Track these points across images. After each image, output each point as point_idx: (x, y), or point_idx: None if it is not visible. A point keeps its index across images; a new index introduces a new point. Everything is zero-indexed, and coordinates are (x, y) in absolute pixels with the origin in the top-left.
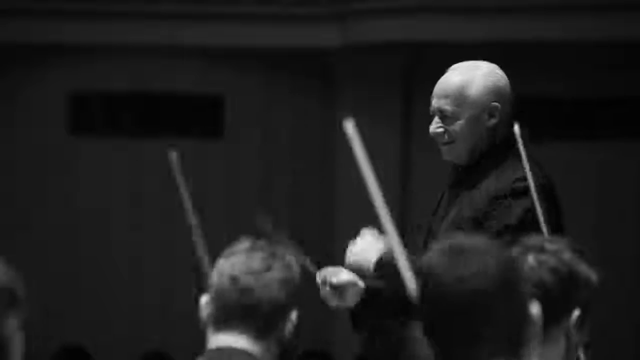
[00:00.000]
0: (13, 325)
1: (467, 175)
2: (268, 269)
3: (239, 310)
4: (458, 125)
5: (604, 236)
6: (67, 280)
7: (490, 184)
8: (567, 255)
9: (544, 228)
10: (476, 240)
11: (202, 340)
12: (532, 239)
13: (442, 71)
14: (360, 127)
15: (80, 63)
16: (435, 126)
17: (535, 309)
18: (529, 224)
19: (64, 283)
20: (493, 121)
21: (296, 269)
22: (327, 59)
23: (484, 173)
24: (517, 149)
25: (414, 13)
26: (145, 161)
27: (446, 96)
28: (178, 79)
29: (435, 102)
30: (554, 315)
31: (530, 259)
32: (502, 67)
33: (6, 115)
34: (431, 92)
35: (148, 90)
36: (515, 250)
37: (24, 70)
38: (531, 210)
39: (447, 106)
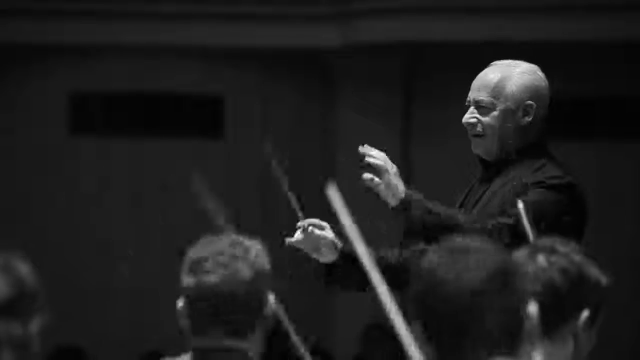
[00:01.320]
0: (35, 327)
1: (497, 172)
2: (236, 271)
3: (215, 317)
4: (492, 117)
5: (602, 236)
6: (67, 280)
7: (521, 177)
8: (577, 257)
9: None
10: (475, 241)
11: None
12: (543, 240)
13: (442, 71)
14: (361, 127)
15: (80, 63)
16: (470, 116)
17: (532, 307)
18: (555, 218)
19: (64, 283)
20: (527, 119)
21: (262, 256)
22: (327, 59)
23: (516, 170)
24: (550, 152)
25: (414, 13)
26: (145, 161)
27: (484, 88)
28: (178, 79)
29: (472, 94)
30: (562, 315)
31: (541, 259)
32: None
33: (6, 115)
34: (431, 92)
35: (148, 90)
36: (525, 251)
37: (24, 70)
38: (561, 205)
39: (483, 97)
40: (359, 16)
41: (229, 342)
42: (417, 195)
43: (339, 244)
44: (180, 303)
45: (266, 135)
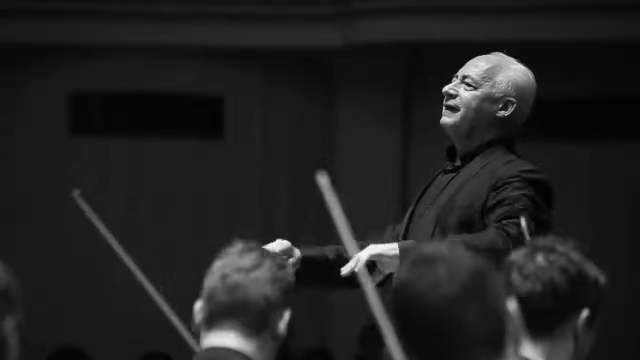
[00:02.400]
0: (10, 326)
1: (463, 163)
2: (257, 266)
3: (228, 308)
4: (472, 95)
5: (598, 236)
6: (67, 280)
7: (495, 173)
8: (576, 256)
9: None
10: (443, 248)
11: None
12: (542, 240)
13: (442, 71)
14: (361, 127)
15: (80, 63)
16: (452, 85)
17: (512, 306)
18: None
19: (64, 283)
20: (503, 113)
21: (288, 269)
22: (327, 59)
23: (484, 162)
24: (517, 152)
25: (414, 13)
26: (145, 161)
27: (476, 67)
28: (178, 79)
29: (462, 69)
30: (562, 314)
31: (540, 258)
32: None
33: (6, 115)
34: (431, 92)
35: (148, 90)
36: (524, 251)
37: (24, 70)
38: (538, 201)
39: (472, 74)
40: (359, 16)
41: (235, 342)
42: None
43: (299, 255)
44: (199, 303)
45: (266, 135)
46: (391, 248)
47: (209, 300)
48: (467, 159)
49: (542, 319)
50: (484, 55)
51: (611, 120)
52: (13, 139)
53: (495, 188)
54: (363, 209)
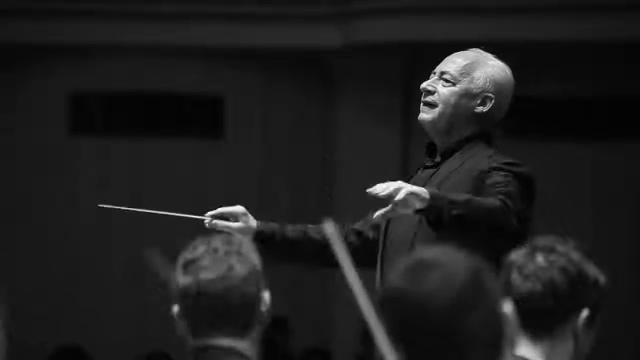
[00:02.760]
0: None
1: (443, 159)
2: (230, 269)
3: (213, 316)
4: (450, 91)
5: (600, 235)
6: (67, 280)
7: (477, 167)
8: (576, 256)
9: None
10: (437, 253)
11: None
12: (542, 240)
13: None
14: (361, 127)
15: (80, 63)
16: (430, 82)
17: (508, 307)
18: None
19: (64, 283)
20: (482, 109)
21: (252, 251)
22: (327, 59)
23: (464, 157)
24: (498, 148)
25: (414, 13)
26: (145, 161)
27: (454, 63)
28: (178, 79)
29: (440, 66)
30: (562, 314)
31: (540, 259)
32: None
33: (6, 115)
34: None
35: (148, 90)
36: (524, 251)
37: (24, 70)
38: (522, 193)
39: (450, 70)
40: (359, 16)
41: (227, 342)
42: (438, 191)
43: (256, 227)
44: (175, 308)
45: (266, 135)
46: (423, 191)
47: (188, 313)
48: (447, 154)
49: (542, 319)
50: (461, 52)
51: (612, 121)
52: (13, 139)
53: (480, 179)
54: (363, 208)
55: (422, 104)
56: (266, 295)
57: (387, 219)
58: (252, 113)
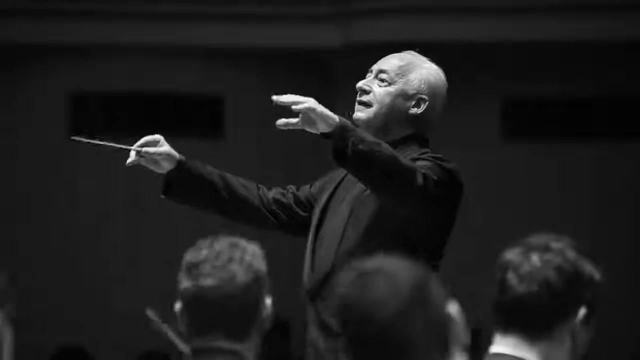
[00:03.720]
0: (1, 319)
1: None
2: (233, 276)
3: (213, 320)
4: (386, 91)
5: (600, 235)
6: (67, 280)
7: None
8: (571, 254)
9: None
10: (383, 262)
11: None
12: (536, 238)
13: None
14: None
15: (80, 63)
16: (365, 81)
17: (453, 308)
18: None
19: (64, 283)
20: (416, 110)
21: (259, 258)
22: (327, 59)
23: None
24: (430, 147)
25: (414, 13)
26: None
27: (390, 64)
28: (178, 79)
29: (376, 65)
30: (560, 313)
31: (535, 258)
32: (500, 67)
33: (6, 115)
34: None
35: (148, 90)
36: (518, 250)
37: (24, 70)
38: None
39: (387, 69)
40: (359, 16)
41: (227, 345)
42: (350, 124)
43: (178, 156)
44: (177, 305)
45: (266, 135)
46: (332, 116)
47: (191, 309)
48: None
49: (539, 319)
50: (396, 54)
51: (612, 121)
52: (13, 139)
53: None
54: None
55: (357, 103)
56: (268, 302)
57: (318, 224)
58: (252, 113)
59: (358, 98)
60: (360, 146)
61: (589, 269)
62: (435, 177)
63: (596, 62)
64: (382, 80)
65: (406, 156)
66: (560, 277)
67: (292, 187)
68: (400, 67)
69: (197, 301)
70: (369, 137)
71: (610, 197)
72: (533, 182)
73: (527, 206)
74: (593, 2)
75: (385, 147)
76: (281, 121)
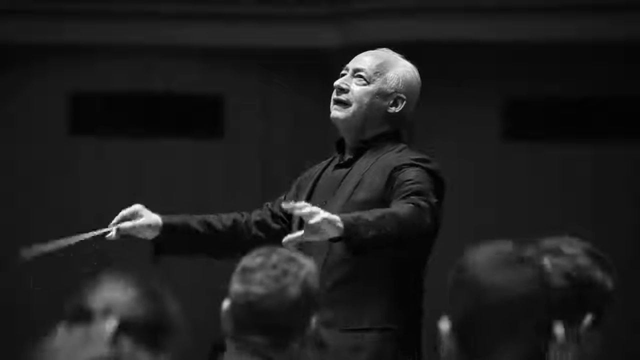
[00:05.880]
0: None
1: (355, 157)
2: (289, 285)
3: (257, 329)
4: (364, 90)
5: (600, 235)
6: None
7: (388, 164)
8: (582, 260)
9: None
10: (523, 250)
11: (201, 340)
12: (550, 241)
13: (442, 71)
14: None
15: (80, 63)
16: (343, 80)
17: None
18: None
19: None
20: (394, 109)
21: (313, 275)
22: (327, 59)
23: (376, 155)
24: (405, 141)
25: (414, 13)
26: (145, 161)
27: (368, 62)
28: (178, 79)
29: (353, 63)
30: (566, 319)
31: (546, 261)
32: (500, 66)
33: (6, 115)
34: (431, 92)
35: (148, 90)
36: (532, 251)
37: (24, 70)
38: (433, 187)
39: (365, 67)
40: (359, 16)
41: (266, 352)
42: (351, 216)
43: (160, 221)
44: (225, 304)
45: (266, 135)
46: (337, 219)
47: (238, 311)
48: (358, 152)
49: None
50: (371, 51)
51: (612, 121)
52: (13, 139)
53: (392, 178)
54: None
55: (334, 102)
56: (313, 321)
57: (299, 228)
58: (252, 113)
59: (336, 96)
60: (370, 233)
61: (600, 276)
62: (434, 200)
63: (596, 62)
64: (360, 78)
65: (384, 152)
66: (569, 282)
67: (268, 204)
68: (378, 66)
69: (244, 306)
70: (368, 216)
71: (610, 197)
72: (533, 182)
73: (527, 206)
74: (593, 2)
75: (388, 216)
76: (290, 238)
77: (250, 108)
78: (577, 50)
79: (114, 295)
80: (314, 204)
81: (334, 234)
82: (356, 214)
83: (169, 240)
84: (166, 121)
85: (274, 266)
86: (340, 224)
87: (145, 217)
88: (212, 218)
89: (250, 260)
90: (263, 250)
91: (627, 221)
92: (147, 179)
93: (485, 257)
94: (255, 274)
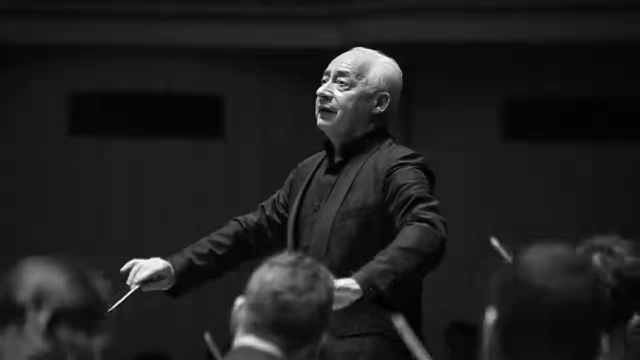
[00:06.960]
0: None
1: (345, 160)
2: (311, 289)
3: (275, 325)
4: (348, 95)
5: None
6: None
7: (378, 164)
8: (631, 259)
9: None
10: (581, 256)
11: (200, 340)
12: (601, 239)
13: (442, 71)
14: None
15: (80, 63)
16: (326, 87)
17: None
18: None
19: None
20: (379, 109)
21: (334, 292)
22: (327, 59)
23: (366, 156)
24: (390, 134)
25: (414, 13)
26: (145, 161)
27: (348, 64)
28: (178, 79)
29: (333, 66)
30: (615, 319)
31: (596, 259)
32: (500, 66)
33: (6, 115)
34: (431, 92)
35: (148, 90)
36: (582, 248)
37: (24, 70)
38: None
39: (347, 70)
40: (359, 16)
41: (272, 351)
42: (363, 272)
43: (173, 271)
44: (239, 301)
45: (266, 136)
46: (351, 282)
47: (255, 310)
48: (348, 154)
49: None
50: (348, 52)
51: (612, 120)
52: (13, 139)
53: (385, 185)
54: None
55: (318, 109)
56: (324, 336)
57: (294, 234)
58: (252, 113)
59: (320, 105)
60: (390, 278)
61: None
62: (435, 201)
63: (596, 62)
64: (342, 84)
65: (373, 150)
66: (618, 281)
67: (262, 205)
68: (358, 68)
69: (263, 303)
70: (383, 264)
71: (610, 197)
72: (533, 182)
73: (527, 206)
74: (593, 2)
75: (399, 252)
76: None
77: (250, 108)
78: (577, 50)
79: (43, 282)
80: (306, 210)
81: (354, 297)
82: (368, 265)
83: (182, 285)
84: (166, 121)
85: (306, 266)
86: (356, 286)
87: (167, 278)
88: (214, 245)
89: (280, 257)
90: (291, 254)
91: (627, 221)
92: (147, 179)
93: (541, 260)
94: (284, 269)
